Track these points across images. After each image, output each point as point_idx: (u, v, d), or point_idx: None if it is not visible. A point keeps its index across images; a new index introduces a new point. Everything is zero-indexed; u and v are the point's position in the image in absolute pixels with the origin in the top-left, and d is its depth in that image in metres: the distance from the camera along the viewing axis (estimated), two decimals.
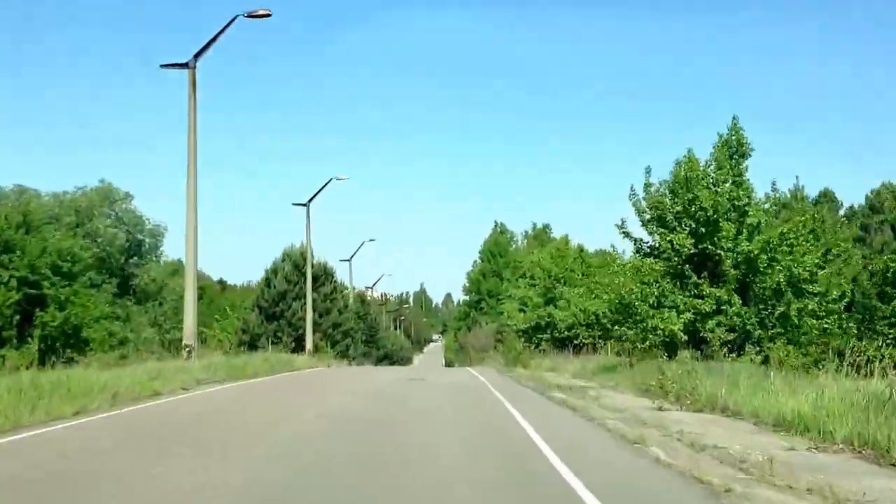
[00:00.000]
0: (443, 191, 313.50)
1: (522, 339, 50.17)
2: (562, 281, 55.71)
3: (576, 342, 47.84)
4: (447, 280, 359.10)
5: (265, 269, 60.01)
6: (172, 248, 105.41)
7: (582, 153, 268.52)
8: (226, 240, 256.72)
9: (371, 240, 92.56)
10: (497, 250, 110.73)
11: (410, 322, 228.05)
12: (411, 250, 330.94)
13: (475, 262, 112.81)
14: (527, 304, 56.91)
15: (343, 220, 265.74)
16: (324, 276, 61.34)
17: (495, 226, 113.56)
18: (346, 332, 61.13)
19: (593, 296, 44.75)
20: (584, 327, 48.52)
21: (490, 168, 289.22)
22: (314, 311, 58.67)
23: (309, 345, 51.34)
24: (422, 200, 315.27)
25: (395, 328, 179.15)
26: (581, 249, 60.36)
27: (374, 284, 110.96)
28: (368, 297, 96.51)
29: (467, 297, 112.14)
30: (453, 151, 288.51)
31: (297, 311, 57.00)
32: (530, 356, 43.61)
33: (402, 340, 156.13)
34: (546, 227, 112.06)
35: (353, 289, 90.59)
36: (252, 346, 57.54)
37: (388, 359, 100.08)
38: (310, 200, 52.33)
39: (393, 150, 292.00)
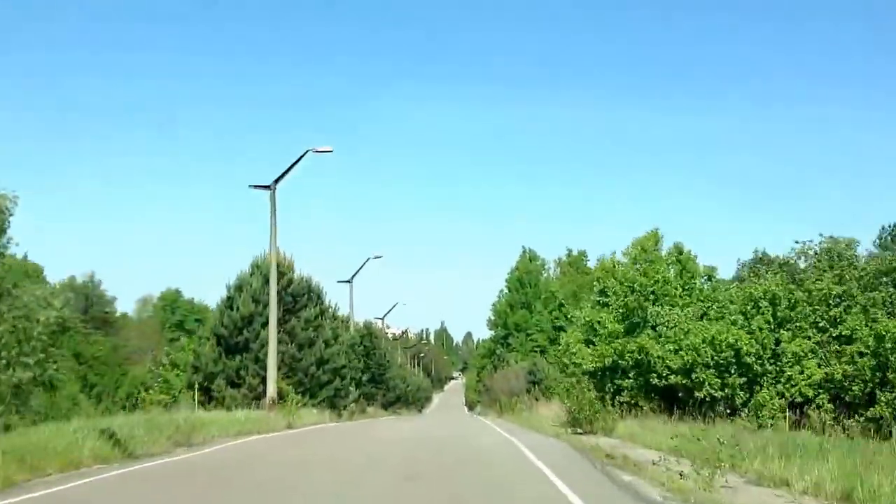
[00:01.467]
0: (466, 217, 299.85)
1: (589, 385, 34.77)
2: (652, 298, 37.34)
3: (698, 396, 31.35)
4: (468, 318, 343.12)
5: (227, 284, 45.66)
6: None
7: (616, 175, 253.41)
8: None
9: (377, 256, 73.45)
10: (526, 279, 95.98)
11: (431, 360, 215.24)
12: (431, 285, 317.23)
13: (501, 292, 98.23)
14: (597, 331, 39.27)
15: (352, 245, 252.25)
16: (307, 295, 46.86)
17: (523, 252, 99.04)
18: (336, 370, 46.39)
19: (717, 322, 29.79)
20: (710, 370, 31.10)
21: (516, 191, 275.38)
22: (291, 341, 44.15)
23: (271, 391, 36.66)
24: (444, 231, 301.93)
25: (414, 366, 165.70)
26: (680, 251, 38.93)
27: (386, 314, 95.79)
28: (378, 328, 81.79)
29: (493, 332, 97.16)
30: (475, 175, 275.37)
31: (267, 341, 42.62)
32: (607, 413, 28.27)
33: (421, 379, 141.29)
34: (582, 253, 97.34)
35: (352, 317, 75.79)
36: (207, 391, 43.27)
37: (401, 401, 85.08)
38: (276, 181, 37.92)
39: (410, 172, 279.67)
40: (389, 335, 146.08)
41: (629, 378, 33.63)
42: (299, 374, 44.15)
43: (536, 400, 59.53)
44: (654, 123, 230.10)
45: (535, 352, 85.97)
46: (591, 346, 35.00)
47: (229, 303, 45.32)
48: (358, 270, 60.64)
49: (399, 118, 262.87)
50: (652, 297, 33.56)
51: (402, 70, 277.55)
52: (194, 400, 42.81)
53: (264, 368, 40.80)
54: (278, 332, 44.11)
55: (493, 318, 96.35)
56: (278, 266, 46.12)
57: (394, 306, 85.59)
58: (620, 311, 34.41)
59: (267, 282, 45.48)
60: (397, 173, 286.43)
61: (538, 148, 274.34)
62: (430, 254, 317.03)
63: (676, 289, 33.08)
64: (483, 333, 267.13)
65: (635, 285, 33.34)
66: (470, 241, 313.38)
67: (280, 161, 57.20)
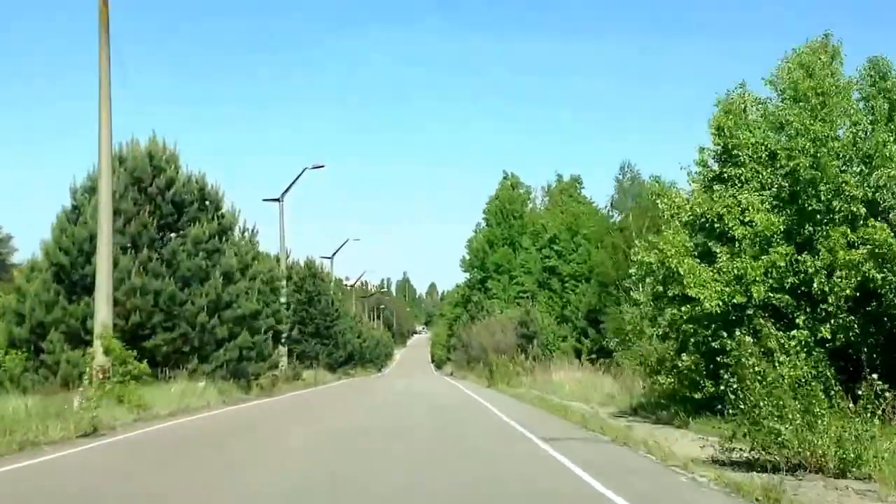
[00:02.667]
0: (430, 157, 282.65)
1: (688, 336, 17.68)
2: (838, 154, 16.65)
3: None
4: (432, 268, 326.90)
5: (71, 186, 28.52)
6: None
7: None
8: None
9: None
10: (509, 210, 79.49)
11: (392, 312, 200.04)
12: (392, 235, 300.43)
13: (477, 227, 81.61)
14: (726, 232, 19.21)
15: (316, 207, 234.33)
16: (197, 204, 29.86)
17: (504, 178, 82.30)
18: (242, 318, 29.45)
19: None
20: None
21: (482, 126, 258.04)
22: (169, 273, 27.29)
23: (100, 357, 20.01)
24: (404, 173, 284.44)
25: (374, 319, 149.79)
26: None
27: (335, 253, 78.58)
28: (326, 273, 64.99)
29: (468, 275, 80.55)
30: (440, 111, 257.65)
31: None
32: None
33: (380, 334, 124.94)
34: (576, 179, 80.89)
35: (282, 249, 59.52)
36: (38, 351, 26.92)
37: (354, 360, 68.70)
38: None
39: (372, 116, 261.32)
40: (346, 284, 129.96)
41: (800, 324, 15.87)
42: (182, 326, 27.44)
43: (534, 360, 43.54)
44: None
45: (522, 298, 69.90)
46: (708, 262, 17.55)
47: (74, 215, 28.30)
48: (291, 185, 43.76)
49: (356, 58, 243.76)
50: (834, 154, 15.89)
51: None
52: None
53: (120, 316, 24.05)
54: (147, 258, 27.40)
55: (467, 257, 79.98)
56: (151, 159, 29.32)
57: (344, 242, 70.35)
58: (776, 188, 16.75)
59: (138, 182, 28.73)
60: (354, 117, 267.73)
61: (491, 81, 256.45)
62: (390, 201, 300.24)
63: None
64: (448, 284, 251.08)
65: (801, 137, 15.93)
66: (432, 186, 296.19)
67: None
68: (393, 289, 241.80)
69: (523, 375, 38.97)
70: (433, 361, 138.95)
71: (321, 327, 58.52)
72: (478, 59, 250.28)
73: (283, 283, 44.15)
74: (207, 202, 30.59)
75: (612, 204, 44.14)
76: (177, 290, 27.57)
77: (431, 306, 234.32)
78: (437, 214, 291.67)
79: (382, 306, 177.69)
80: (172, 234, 29.31)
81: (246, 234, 36.15)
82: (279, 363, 43.04)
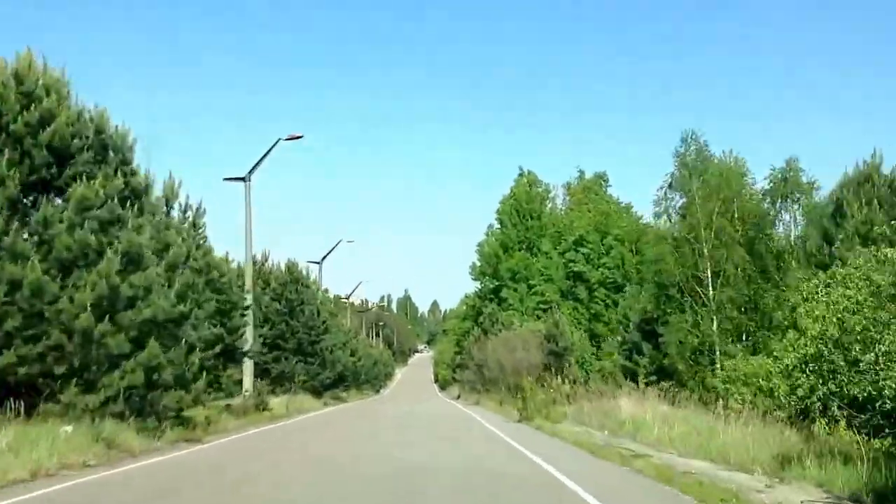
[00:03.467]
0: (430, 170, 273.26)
1: None
2: None
3: None
4: (434, 286, 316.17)
5: None
6: None
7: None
8: None
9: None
10: (526, 210, 69.41)
11: (392, 330, 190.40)
12: (393, 252, 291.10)
13: (490, 229, 71.43)
14: None
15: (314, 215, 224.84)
16: (92, 144, 19.80)
17: (521, 176, 72.21)
18: (154, 323, 19.33)
19: None
20: None
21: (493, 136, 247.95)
22: (41, 242, 17.28)
23: None
24: (405, 187, 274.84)
25: (373, 336, 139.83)
26: None
27: (325, 257, 68.82)
28: (311, 280, 54.79)
29: (479, 284, 70.28)
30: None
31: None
32: None
33: (379, 352, 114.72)
34: (601, 176, 70.92)
35: (248, 243, 50.40)
36: None
37: (345, 383, 58.57)
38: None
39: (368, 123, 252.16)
40: (343, 300, 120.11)
41: None
42: (54, 335, 17.40)
43: (573, 384, 33.49)
44: None
45: (543, 309, 59.95)
46: None
47: None
48: (261, 159, 33.77)
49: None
50: None
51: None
52: None
53: None
54: (3, 230, 17.53)
55: (478, 264, 69.84)
56: (20, 84, 19.44)
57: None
58: None
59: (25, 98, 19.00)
60: (355, 132, 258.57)
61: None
62: (393, 217, 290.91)
63: None
64: (451, 302, 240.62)
65: None
66: (436, 203, 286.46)
67: None
68: (394, 306, 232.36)
69: (561, 404, 28.84)
70: (437, 382, 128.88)
71: (304, 343, 48.37)
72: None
73: (248, 283, 34.17)
74: (109, 152, 20.54)
75: (669, 185, 33.88)
76: (46, 280, 17.50)
77: (434, 325, 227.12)
78: (439, 230, 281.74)
79: (382, 323, 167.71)
80: (53, 196, 19.33)
81: (188, 214, 26.30)
82: (243, 389, 33.15)
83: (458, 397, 70.26)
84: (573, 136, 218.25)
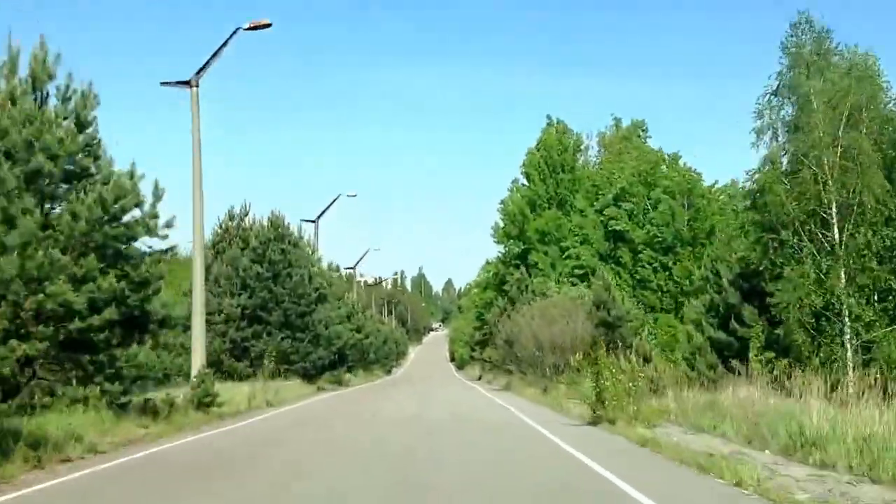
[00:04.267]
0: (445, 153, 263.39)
1: None
2: None
3: None
4: (449, 265, 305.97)
5: None
6: None
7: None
8: None
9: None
10: (556, 161, 59.78)
11: (406, 307, 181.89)
12: (407, 229, 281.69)
13: (514, 184, 61.63)
14: None
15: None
16: None
17: (549, 125, 62.42)
18: None
19: None
20: None
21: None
22: None
23: None
24: (419, 165, 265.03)
25: (386, 314, 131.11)
26: None
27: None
28: (301, 239, 45.44)
29: (502, 248, 60.66)
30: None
31: None
32: None
33: (390, 329, 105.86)
34: (639, 124, 61.18)
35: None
36: None
37: (346, 363, 49.60)
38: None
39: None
40: (360, 281, 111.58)
41: None
42: None
43: (644, 363, 24.30)
44: None
45: (576, 277, 50.57)
46: None
47: None
48: (211, 59, 24.20)
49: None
50: None
51: None
52: None
53: None
54: None
55: (501, 224, 60.22)
56: None
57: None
58: None
59: None
60: (371, 108, 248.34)
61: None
62: (407, 194, 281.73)
63: None
64: (466, 280, 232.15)
65: None
66: (450, 180, 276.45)
67: None
68: (408, 285, 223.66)
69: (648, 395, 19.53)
70: (453, 360, 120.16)
71: (292, 315, 39.26)
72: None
73: (197, 219, 24.78)
74: None
75: (775, 91, 24.20)
76: None
77: (448, 303, 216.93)
78: (454, 207, 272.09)
79: (396, 300, 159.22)
80: None
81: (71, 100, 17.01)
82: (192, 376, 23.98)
83: (480, 378, 61.18)
84: (603, 82, 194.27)
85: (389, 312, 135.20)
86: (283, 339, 38.74)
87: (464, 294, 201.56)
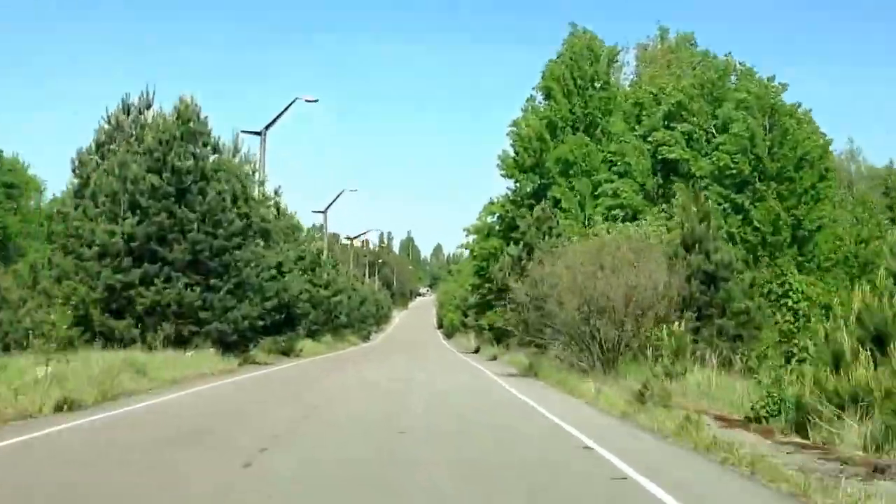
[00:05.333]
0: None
1: None
2: None
3: None
4: (438, 230, 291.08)
5: None
6: None
7: None
8: None
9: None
10: (584, 74, 45.81)
11: (392, 269, 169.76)
12: (397, 190, 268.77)
13: (528, 103, 47.12)
14: None
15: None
16: None
17: (573, 35, 48.12)
18: None
19: None
20: None
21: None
22: None
23: None
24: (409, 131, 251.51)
25: (371, 276, 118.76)
26: None
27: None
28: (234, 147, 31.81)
29: (513, 182, 46.16)
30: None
31: None
32: None
33: (370, 289, 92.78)
34: (687, 37, 47.37)
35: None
36: None
37: (293, 326, 36.11)
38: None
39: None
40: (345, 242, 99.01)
41: None
42: None
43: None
44: None
45: (612, 220, 37.36)
46: None
47: None
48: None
49: None
50: None
51: None
52: None
53: None
54: None
55: (512, 153, 45.80)
56: None
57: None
58: None
59: None
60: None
61: None
62: (395, 157, 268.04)
63: None
64: (455, 244, 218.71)
65: None
66: (439, 141, 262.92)
67: None
68: (396, 248, 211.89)
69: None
70: (441, 328, 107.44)
71: (204, 250, 25.69)
72: None
73: None
74: None
75: None
76: None
77: (437, 268, 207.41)
78: (446, 168, 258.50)
79: (381, 260, 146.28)
80: None
81: None
82: None
83: (477, 351, 47.91)
84: None
85: (372, 274, 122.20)
86: (188, 287, 25.25)
87: (454, 260, 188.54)
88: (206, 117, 27.61)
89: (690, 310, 20.22)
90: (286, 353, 33.64)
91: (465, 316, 74.25)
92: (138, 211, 25.62)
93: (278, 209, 38.82)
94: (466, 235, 46.32)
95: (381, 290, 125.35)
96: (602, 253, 21.60)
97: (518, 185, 44.09)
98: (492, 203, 45.30)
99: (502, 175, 44.60)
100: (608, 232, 27.82)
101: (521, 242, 33.81)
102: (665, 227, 25.91)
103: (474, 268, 49.66)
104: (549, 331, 22.31)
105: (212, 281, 26.07)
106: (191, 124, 26.91)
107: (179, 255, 25.52)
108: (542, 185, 42.37)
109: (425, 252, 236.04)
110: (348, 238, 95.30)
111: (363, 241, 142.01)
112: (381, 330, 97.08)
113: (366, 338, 72.99)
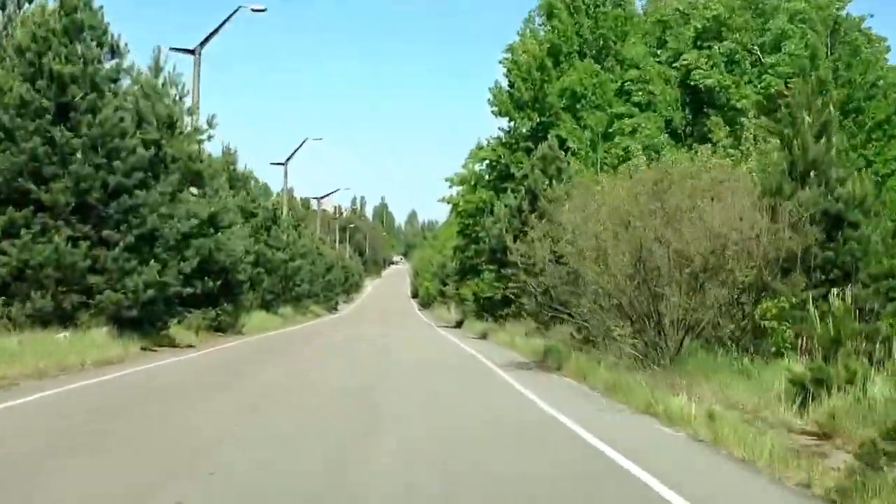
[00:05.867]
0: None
1: None
2: None
3: None
4: (412, 199, 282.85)
5: None
6: None
7: None
8: None
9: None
10: None
11: (365, 235, 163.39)
12: (368, 157, 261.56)
13: (526, 24, 39.18)
14: None
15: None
16: None
17: None
18: None
19: None
20: None
21: None
22: None
23: None
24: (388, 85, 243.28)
25: (343, 242, 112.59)
26: None
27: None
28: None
29: (505, 122, 38.59)
30: None
31: None
32: None
33: (336, 253, 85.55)
34: None
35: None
36: None
37: (229, 295, 28.46)
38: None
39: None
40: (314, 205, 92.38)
41: None
42: None
43: None
44: None
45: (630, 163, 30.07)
46: None
47: None
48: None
49: None
50: None
51: None
52: None
53: None
54: None
55: (505, 86, 37.96)
56: None
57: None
58: None
59: None
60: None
61: None
62: (369, 121, 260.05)
63: None
64: (430, 213, 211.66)
65: None
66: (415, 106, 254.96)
67: None
68: (369, 215, 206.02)
69: None
70: (416, 297, 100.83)
71: (91, 189, 18.38)
72: None
73: None
74: None
75: None
76: None
77: (412, 237, 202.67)
78: (420, 136, 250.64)
79: (352, 224, 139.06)
80: None
81: None
82: None
83: (461, 325, 40.90)
84: None
85: (343, 240, 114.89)
86: (71, 241, 17.96)
87: (429, 228, 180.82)
88: (100, 7, 20.03)
89: (803, 271, 13.33)
90: (222, 329, 26.46)
91: (444, 285, 67.28)
92: (1, 133, 18.28)
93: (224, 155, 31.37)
94: (450, 187, 38.98)
95: (354, 258, 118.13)
96: (662, 186, 14.53)
97: (514, 124, 36.60)
98: (480, 148, 37.83)
99: (494, 113, 37.08)
100: (647, 163, 20.70)
101: (523, 189, 26.56)
102: (728, 156, 18.83)
103: (458, 225, 42.31)
104: (583, 301, 15.23)
105: (105, 233, 18.79)
106: (77, 14, 19.39)
107: (59, 195, 18.21)
108: (543, 123, 35.02)
109: (399, 219, 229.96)
110: (315, 199, 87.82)
111: (335, 207, 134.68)
112: (350, 300, 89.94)
113: (332, 308, 65.80)
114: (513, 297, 25.31)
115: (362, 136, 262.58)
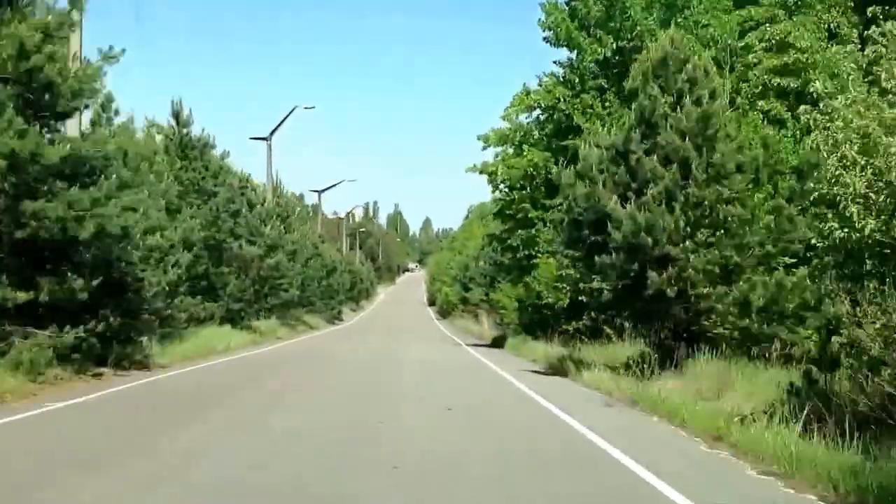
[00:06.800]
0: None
1: None
2: None
3: None
4: (427, 206, 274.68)
5: None
6: None
7: None
8: None
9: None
10: None
11: (378, 241, 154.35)
12: (386, 162, 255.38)
13: None
14: None
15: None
16: None
17: None
18: None
19: None
20: None
21: None
22: None
23: None
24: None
25: (355, 249, 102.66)
26: None
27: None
28: None
29: (565, 53, 26.32)
30: None
31: None
32: None
33: (341, 256, 74.04)
34: None
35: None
36: None
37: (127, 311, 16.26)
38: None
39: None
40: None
41: None
42: None
43: None
44: None
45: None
46: None
47: None
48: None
49: None
50: None
51: None
52: None
53: None
54: None
55: (549, 31, 25.38)
56: None
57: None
58: None
59: None
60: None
61: None
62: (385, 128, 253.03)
63: None
64: (445, 221, 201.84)
65: None
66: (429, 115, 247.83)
67: None
68: (383, 223, 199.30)
69: None
70: (433, 305, 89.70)
71: None
72: None
73: None
74: None
75: None
76: None
77: (426, 244, 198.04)
78: (436, 141, 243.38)
79: (363, 229, 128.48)
80: None
81: None
82: None
83: (500, 342, 29.34)
84: None
85: (351, 247, 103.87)
86: None
87: (444, 236, 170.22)
88: None
89: None
90: (146, 364, 15.20)
91: (467, 290, 55.82)
92: None
93: None
94: (483, 149, 26.95)
95: (366, 264, 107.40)
96: None
97: (579, 55, 24.54)
98: (527, 93, 25.79)
99: (548, 41, 25.01)
100: None
101: (630, 115, 15.10)
102: None
103: (497, 204, 30.06)
104: None
105: None
106: None
107: None
108: (622, 50, 23.24)
109: (414, 228, 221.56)
110: (314, 191, 76.89)
111: (347, 214, 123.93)
112: (360, 308, 78.71)
113: (334, 319, 54.48)
114: (606, 302, 14.18)
115: (376, 143, 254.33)
